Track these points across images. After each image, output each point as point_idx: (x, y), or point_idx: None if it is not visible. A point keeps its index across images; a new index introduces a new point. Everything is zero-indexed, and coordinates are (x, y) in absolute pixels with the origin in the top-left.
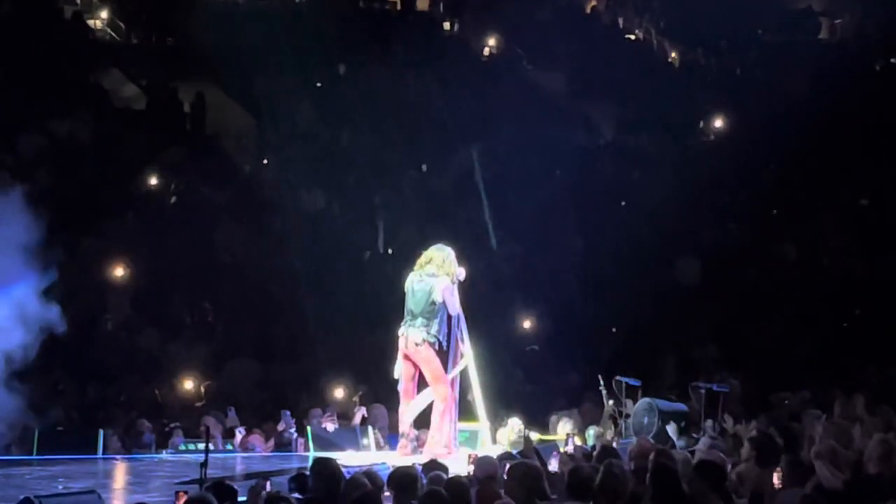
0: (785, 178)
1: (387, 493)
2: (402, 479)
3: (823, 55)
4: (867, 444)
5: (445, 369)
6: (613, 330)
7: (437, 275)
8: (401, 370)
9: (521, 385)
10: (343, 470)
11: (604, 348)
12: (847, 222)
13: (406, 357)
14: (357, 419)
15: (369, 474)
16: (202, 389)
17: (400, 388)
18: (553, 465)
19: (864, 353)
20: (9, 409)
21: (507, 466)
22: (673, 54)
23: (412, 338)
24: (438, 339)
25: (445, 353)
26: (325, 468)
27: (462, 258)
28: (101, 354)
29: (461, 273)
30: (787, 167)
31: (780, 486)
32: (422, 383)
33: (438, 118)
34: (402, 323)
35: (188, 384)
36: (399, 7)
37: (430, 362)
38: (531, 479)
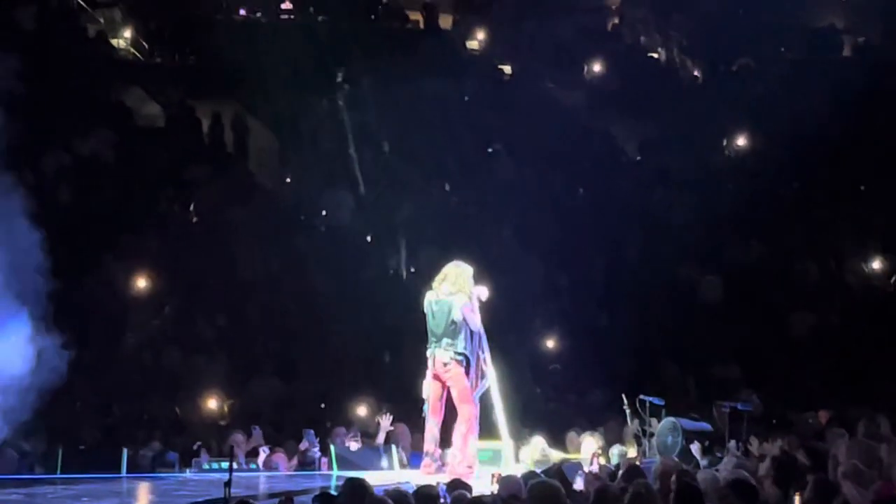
0: (808, 196)
1: None
2: (426, 498)
3: (846, 73)
4: (892, 463)
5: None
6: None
7: (453, 293)
8: (429, 390)
9: (543, 404)
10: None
11: (626, 367)
12: (870, 240)
13: (436, 377)
14: (381, 436)
15: (394, 493)
16: (225, 408)
17: (427, 407)
18: (578, 484)
19: (888, 371)
20: (32, 429)
21: (528, 485)
22: (695, 72)
23: (440, 358)
24: (466, 356)
25: (468, 371)
26: (357, 488)
27: (484, 276)
28: (125, 373)
29: (484, 292)
30: (810, 185)
31: None
32: (449, 402)
33: (460, 136)
34: (428, 344)
35: (211, 403)
36: (421, 25)
37: (459, 381)
38: (552, 498)
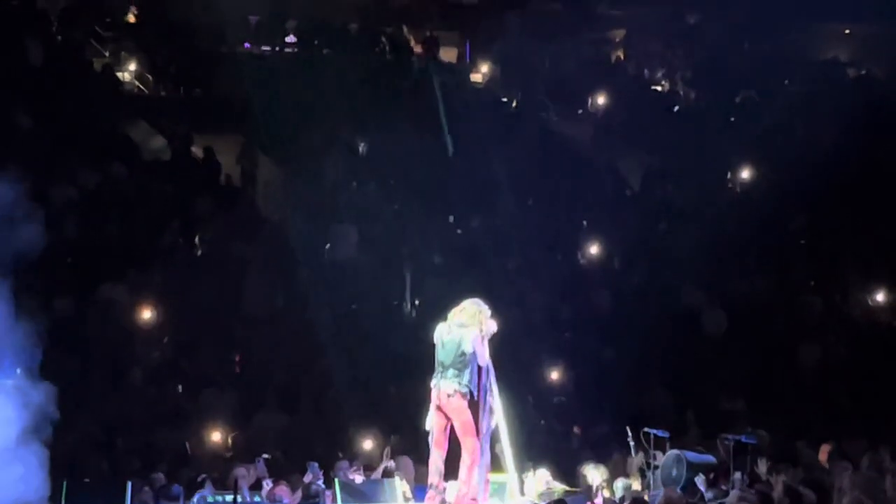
0: (812, 228)
1: None
2: None
3: (850, 105)
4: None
5: (476, 421)
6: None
7: (466, 325)
8: (433, 422)
9: (547, 436)
10: None
11: (631, 399)
12: (875, 273)
13: (438, 409)
14: (378, 471)
15: None
16: (230, 441)
17: (431, 439)
18: None
19: (892, 404)
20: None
21: None
22: (699, 104)
23: (444, 389)
24: (470, 389)
25: (475, 405)
26: None
27: (489, 309)
28: (130, 406)
29: (493, 326)
30: (815, 218)
31: None
32: (453, 435)
33: (465, 169)
34: (434, 375)
35: (216, 435)
36: (425, 58)
37: (461, 414)
38: None
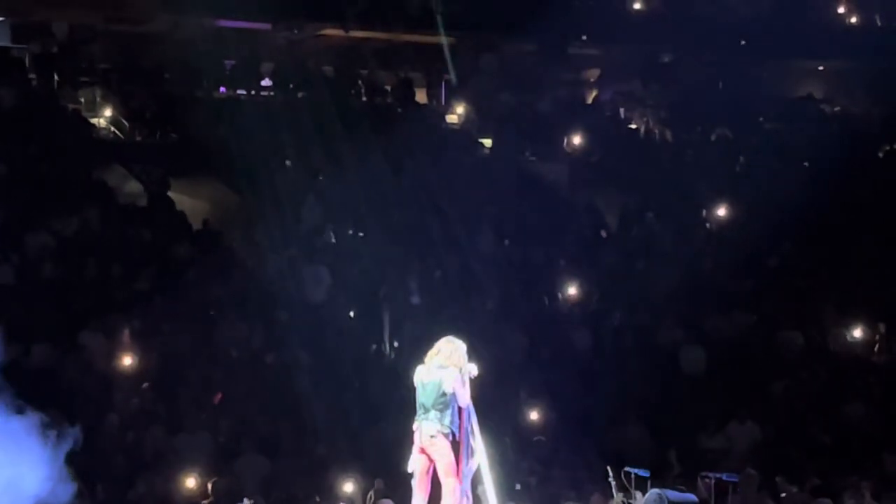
0: (789, 265)
1: None
2: None
3: (825, 142)
4: None
5: (457, 462)
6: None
7: (445, 366)
8: (416, 464)
9: (527, 476)
10: None
11: (611, 439)
12: (852, 309)
13: (422, 451)
14: None
15: None
16: (209, 486)
17: (414, 482)
18: None
19: (872, 439)
20: None
21: None
22: (674, 143)
23: (426, 430)
24: (452, 430)
25: (457, 446)
26: None
27: (467, 349)
28: (108, 452)
29: (473, 370)
30: (791, 254)
31: None
32: (436, 477)
33: (441, 210)
34: (416, 417)
35: (196, 480)
36: (400, 101)
37: (444, 456)
38: None
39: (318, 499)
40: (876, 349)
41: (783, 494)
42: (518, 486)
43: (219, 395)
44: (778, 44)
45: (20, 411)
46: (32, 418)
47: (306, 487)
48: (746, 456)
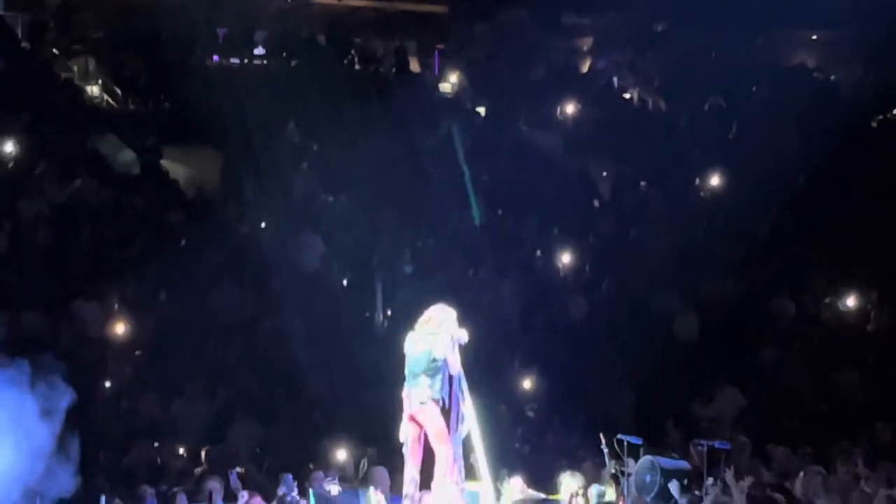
0: (781, 233)
1: None
2: None
3: (818, 111)
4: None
5: (448, 429)
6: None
7: (436, 333)
8: (406, 432)
9: (521, 445)
10: None
11: (604, 406)
12: (845, 277)
13: (411, 418)
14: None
15: None
16: (203, 454)
17: (405, 449)
18: None
19: (865, 408)
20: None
21: None
22: (668, 112)
23: (416, 396)
24: (442, 397)
25: (447, 413)
26: None
27: (461, 317)
28: (102, 419)
29: (463, 336)
30: (784, 223)
31: None
32: (428, 444)
33: (435, 178)
34: (405, 384)
35: (189, 448)
36: (394, 69)
37: (433, 422)
38: None
39: (311, 466)
40: (869, 317)
41: (775, 462)
42: (517, 445)
43: None
44: (771, 12)
45: (13, 379)
46: (25, 386)
47: (299, 455)
48: (739, 423)
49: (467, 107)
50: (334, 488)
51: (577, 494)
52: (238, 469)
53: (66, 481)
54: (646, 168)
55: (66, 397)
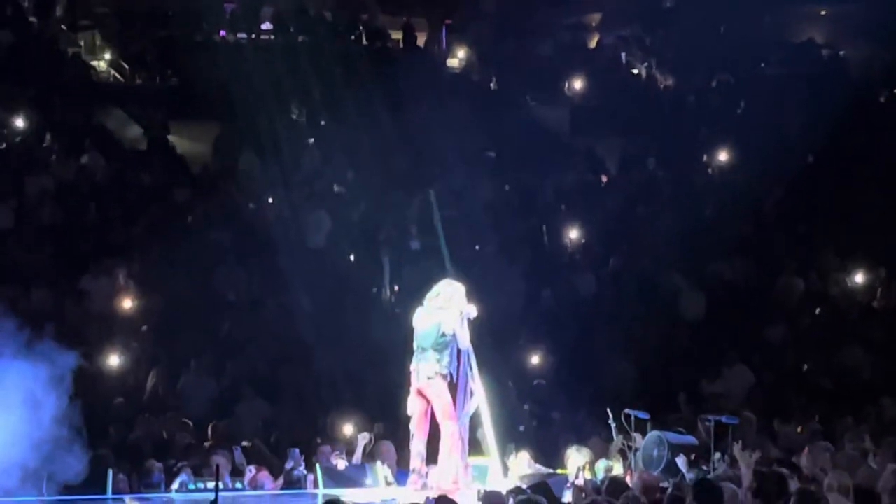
0: (789, 210)
1: None
2: None
3: (826, 87)
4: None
5: (455, 404)
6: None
7: (445, 308)
8: (414, 406)
9: (528, 419)
10: None
11: (611, 382)
12: (853, 254)
13: (419, 392)
14: (358, 453)
15: None
16: (209, 429)
17: (412, 424)
18: (566, 499)
19: (872, 384)
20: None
21: (514, 501)
22: (676, 88)
23: (424, 371)
24: (450, 372)
25: (455, 388)
26: None
27: (468, 293)
28: (108, 395)
29: (472, 311)
30: (792, 200)
31: None
32: (434, 419)
33: (442, 154)
34: (413, 359)
35: (195, 424)
36: (401, 44)
37: (441, 397)
38: None
39: (318, 441)
40: (876, 294)
41: (782, 437)
42: (522, 428)
43: None
44: None
45: (21, 354)
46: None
47: (306, 430)
48: (746, 400)
49: (474, 82)
50: (341, 463)
51: (584, 469)
52: (244, 443)
53: (74, 456)
54: (653, 144)
55: (72, 373)
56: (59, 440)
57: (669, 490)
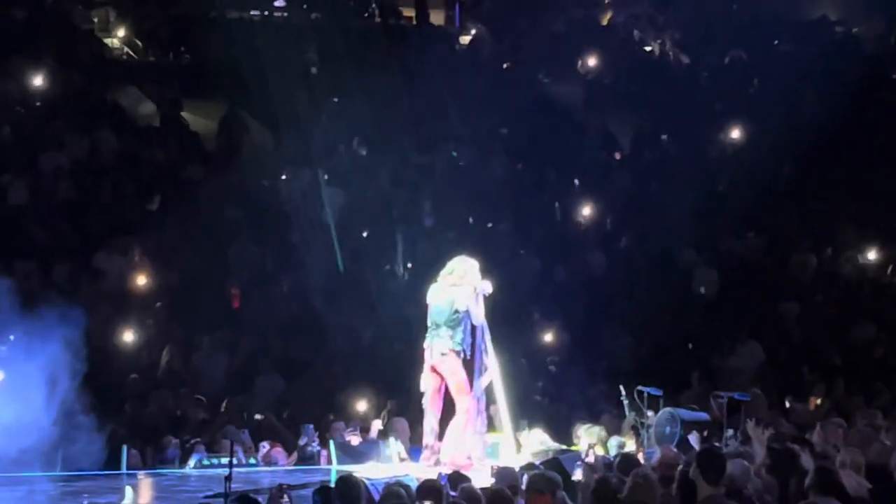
0: (802, 187)
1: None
2: (430, 491)
3: (840, 64)
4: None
5: (469, 381)
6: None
7: (459, 285)
8: (427, 382)
9: (541, 397)
10: (368, 485)
11: (624, 359)
12: (866, 231)
13: (432, 369)
14: (374, 432)
15: (402, 485)
16: (223, 404)
17: (426, 400)
18: (577, 475)
19: (885, 360)
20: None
21: (527, 477)
22: (689, 65)
23: (437, 348)
24: (463, 349)
25: (469, 364)
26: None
27: (481, 271)
28: (123, 371)
29: (487, 287)
30: (805, 176)
31: None
32: (448, 395)
33: (455, 132)
34: (427, 335)
35: (209, 400)
36: (414, 21)
37: (455, 373)
38: (549, 487)
39: (331, 417)
40: (889, 271)
41: (794, 414)
42: (538, 394)
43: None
44: None
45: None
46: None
47: (320, 407)
48: (759, 376)
49: (488, 60)
50: (354, 439)
51: (597, 446)
52: (257, 416)
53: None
54: (666, 122)
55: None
56: (71, 418)
57: (681, 467)
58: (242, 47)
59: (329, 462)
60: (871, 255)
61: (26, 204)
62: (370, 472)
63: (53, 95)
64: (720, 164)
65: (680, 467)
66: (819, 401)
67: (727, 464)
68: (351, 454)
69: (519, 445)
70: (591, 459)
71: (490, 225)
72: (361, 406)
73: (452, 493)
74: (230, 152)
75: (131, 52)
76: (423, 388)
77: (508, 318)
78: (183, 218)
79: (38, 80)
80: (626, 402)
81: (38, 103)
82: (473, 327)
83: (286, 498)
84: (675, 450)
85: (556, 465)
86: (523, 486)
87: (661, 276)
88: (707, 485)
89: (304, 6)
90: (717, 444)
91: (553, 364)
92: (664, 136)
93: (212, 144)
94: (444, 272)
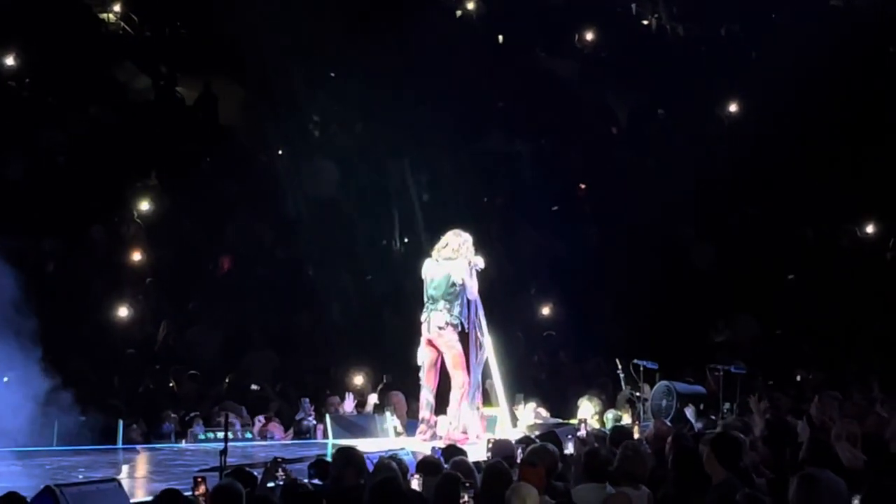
0: (800, 160)
1: (416, 476)
2: (429, 466)
3: (836, 36)
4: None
5: (465, 355)
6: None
7: (453, 259)
8: (423, 356)
9: (537, 370)
10: (365, 458)
11: (620, 333)
12: (864, 205)
13: (429, 342)
14: (369, 406)
15: (396, 459)
16: (227, 380)
17: (422, 374)
18: (570, 449)
19: (881, 333)
20: (29, 402)
21: (524, 449)
22: (685, 39)
23: (435, 321)
24: (461, 321)
25: (465, 339)
26: (349, 456)
27: (479, 244)
28: (119, 345)
29: (480, 262)
30: (802, 150)
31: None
32: (444, 369)
33: (452, 105)
34: (424, 309)
35: (205, 374)
36: None
37: (452, 347)
38: (547, 461)
39: (328, 391)
40: (887, 245)
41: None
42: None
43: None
44: None
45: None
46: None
47: (316, 381)
48: (753, 349)
49: (485, 32)
50: (350, 410)
51: (593, 419)
52: (253, 386)
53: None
54: (663, 96)
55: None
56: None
57: (670, 438)
58: (240, 21)
59: (325, 436)
60: (869, 229)
61: (21, 179)
62: (366, 446)
63: (49, 70)
64: (717, 138)
65: (670, 438)
66: (812, 376)
67: None
68: (347, 428)
69: (515, 419)
70: (582, 433)
71: (486, 199)
72: (358, 380)
73: (446, 467)
74: (227, 127)
75: (127, 27)
76: (419, 361)
77: (505, 292)
78: (178, 192)
79: (33, 56)
80: (622, 375)
81: (33, 78)
82: (469, 301)
83: (282, 472)
84: (668, 423)
85: (553, 438)
86: (519, 460)
87: (658, 249)
88: (722, 468)
89: None
90: (712, 416)
91: (549, 337)
92: (661, 111)
93: (208, 118)
94: (438, 246)
